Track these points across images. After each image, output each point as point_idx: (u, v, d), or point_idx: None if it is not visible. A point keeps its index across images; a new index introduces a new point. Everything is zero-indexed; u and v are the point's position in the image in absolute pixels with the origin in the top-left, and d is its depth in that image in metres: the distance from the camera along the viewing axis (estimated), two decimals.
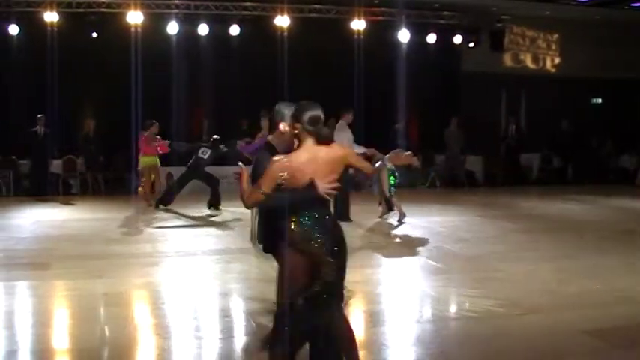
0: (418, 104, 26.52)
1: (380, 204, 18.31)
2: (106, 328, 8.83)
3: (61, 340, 8.79)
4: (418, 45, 26.12)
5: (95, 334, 8.51)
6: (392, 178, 17.55)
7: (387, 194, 17.83)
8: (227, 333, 8.85)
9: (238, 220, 17.59)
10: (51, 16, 23.50)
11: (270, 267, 12.42)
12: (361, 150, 16.78)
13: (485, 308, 9.93)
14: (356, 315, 9.73)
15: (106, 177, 24.82)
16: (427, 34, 26.48)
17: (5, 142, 23.96)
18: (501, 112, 29.21)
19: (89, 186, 24.44)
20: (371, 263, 13.42)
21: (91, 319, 9.19)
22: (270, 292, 10.91)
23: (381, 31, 25.65)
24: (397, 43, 25.62)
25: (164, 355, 7.70)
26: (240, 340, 8.68)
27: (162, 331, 8.67)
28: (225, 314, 9.61)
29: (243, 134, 25.66)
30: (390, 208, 18.07)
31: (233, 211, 18.36)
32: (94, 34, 24.67)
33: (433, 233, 16.31)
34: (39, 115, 23.12)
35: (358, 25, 25.10)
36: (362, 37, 25.17)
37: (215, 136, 21.08)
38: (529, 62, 29.14)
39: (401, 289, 11.36)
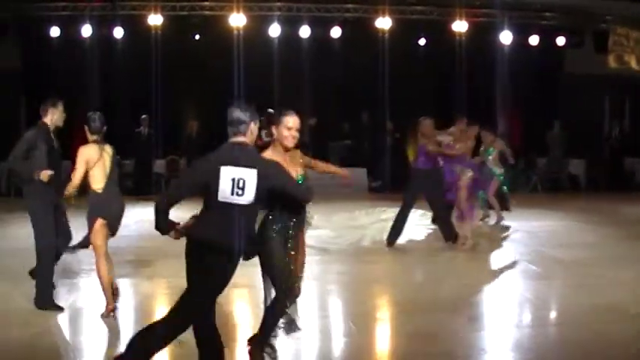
0: (520, 106, 26.28)
1: (487, 207, 18.15)
2: None
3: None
4: (520, 46, 25.80)
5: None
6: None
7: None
8: (325, 334, 8.89)
9: (337, 220, 17.65)
10: (155, 19, 23.86)
11: (368, 268, 12.50)
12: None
13: (583, 314, 9.81)
14: (456, 319, 9.70)
15: None
16: (529, 35, 26.16)
17: (110, 141, 24.33)
18: (605, 115, 28.71)
19: None
20: (470, 267, 13.37)
21: None
22: (370, 293, 10.99)
23: (483, 33, 25.43)
24: (499, 45, 25.38)
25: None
26: (338, 341, 8.72)
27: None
28: (324, 315, 9.66)
29: (344, 136, 25.78)
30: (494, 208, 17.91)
31: (330, 210, 18.32)
32: (197, 37, 25.03)
33: (534, 237, 16.15)
34: (143, 116, 23.53)
35: (460, 26, 24.92)
36: (463, 38, 25.00)
37: (269, 110, 21.25)
38: (634, 64, 28.52)
39: (500, 293, 11.29)
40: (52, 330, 9.10)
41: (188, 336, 6.82)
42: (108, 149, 9.76)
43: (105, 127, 9.92)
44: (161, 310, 10.02)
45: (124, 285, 11.31)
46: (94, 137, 9.75)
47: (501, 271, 12.98)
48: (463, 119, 16.26)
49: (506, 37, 25.28)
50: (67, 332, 9.05)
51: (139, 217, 18.26)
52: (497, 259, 13.95)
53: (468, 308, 10.31)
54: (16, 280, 11.36)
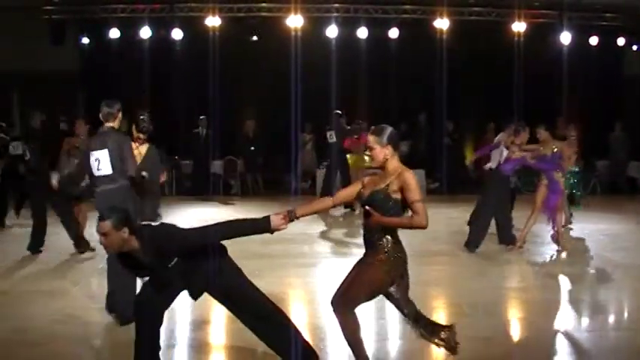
0: (579, 108, 25.99)
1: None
2: None
3: (217, 336, 8.97)
4: (580, 47, 25.55)
5: (250, 332, 8.64)
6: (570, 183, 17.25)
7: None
8: (381, 335, 8.86)
9: None
10: (213, 21, 24.03)
11: (426, 271, 12.44)
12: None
13: None
14: (512, 323, 9.63)
15: (265, 178, 25.20)
16: (589, 36, 25.90)
17: (168, 142, 24.64)
18: None
19: (249, 186, 24.87)
20: (529, 270, 13.26)
21: None
22: (428, 296, 10.93)
23: (542, 33, 25.23)
24: (558, 46, 25.15)
25: (320, 355, 7.73)
26: (394, 342, 8.68)
27: (319, 332, 8.74)
28: (381, 316, 9.61)
29: (403, 136, 25.65)
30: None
31: None
32: (254, 38, 25.14)
33: (592, 241, 15.96)
34: (201, 117, 23.71)
35: (518, 27, 24.74)
36: (522, 39, 24.81)
37: (337, 111, 21.52)
38: None
39: (559, 297, 11.17)
40: (111, 327, 9.17)
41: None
42: (142, 149, 9.84)
43: (151, 128, 10.01)
44: (216, 309, 10.04)
45: None
46: (139, 136, 9.86)
47: (560, 274, 12.83)
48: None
49: (565, 38, 25.06)
50: (128, 329, 9.10)
51: (196, 217, 18.40)
52: (556, 262, 13.79)
53: (526, 312, 10.22)
54: (78, 279, 11.50)
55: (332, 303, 7.20)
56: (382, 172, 7.04)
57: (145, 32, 24.48)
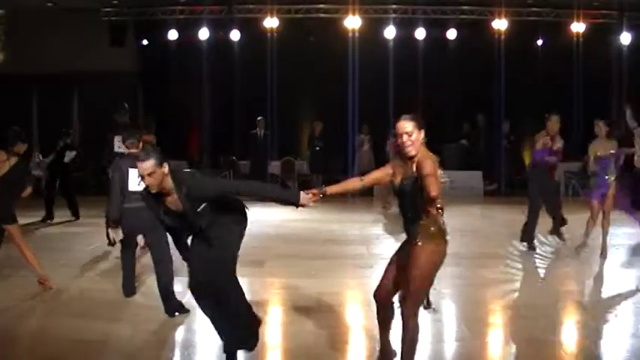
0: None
1: None
2: (314, 327, 8.95)
3: (273, 336, 8.96)
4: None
5: (308, 332, 8.64)
6: None
7: None
8: (438, 337, 8.80)
9: (452, 223, 17.51)
10: (271, 22, 24.17)
11: (483, 272, 12.38)
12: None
13: None
14: (569, 326, 9.55)
15: (323, 178, 25.22)
16: None
17: (226, 143, 24.76)
18: None
19: (311, 187, 24.89)
20: (587, 273, 13.10)
21: (303, 318, 9.35)
22: (485, 298, 10.87)
23: (602, 34, 25.00)
24: (618, 46, 24.91)
25: (374, 356, 7.71)
26: (450, 345, 8.64)
27: (374, 333, 8.69)
28: (437, 318, 9.56)
29: (464, 136, 25.57)
30: None
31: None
32: (312, 39, 25.21)
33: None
34: (258, 118, 23.82)
35: (578, 27, 24.56)
36: (581, 39, 24.62)
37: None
38: None
39: (616, 301, 11.01)
40: (166, 325, 9.24)
41: None
42: (12, 161, 10.77)
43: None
44: (273, 309, 10.10)
45: None
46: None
47: (616, 278, 12.66)
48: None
49: (625, 38, 24.80)
50: (177, 329, 9.15)
51: (254, 217, 18.39)
52: (614, 266, 13.60)
53: (583, 315, 10.10)
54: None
55: (401, 305, 6.98)
56: (408, 161, 6.78)
57: (204, 34, 24.70)
